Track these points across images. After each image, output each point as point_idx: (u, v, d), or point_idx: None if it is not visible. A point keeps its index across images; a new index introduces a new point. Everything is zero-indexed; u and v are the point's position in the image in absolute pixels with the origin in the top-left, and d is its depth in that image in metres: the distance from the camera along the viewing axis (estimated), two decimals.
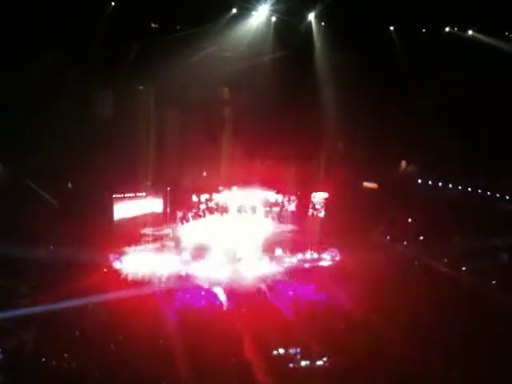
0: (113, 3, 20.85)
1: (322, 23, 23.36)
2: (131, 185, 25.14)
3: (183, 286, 21.52)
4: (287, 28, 23.03)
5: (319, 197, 27.44)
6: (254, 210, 27.25)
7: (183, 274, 22.83)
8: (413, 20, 22.41)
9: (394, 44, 23.53)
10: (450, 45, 22.78)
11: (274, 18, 22.73)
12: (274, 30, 22.95)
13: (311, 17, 23.12)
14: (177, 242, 24.97)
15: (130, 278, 21.82)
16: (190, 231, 25.70)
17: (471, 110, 23.19)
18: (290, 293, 21.39)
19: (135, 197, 25.27)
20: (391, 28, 23.40)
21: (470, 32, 23.02)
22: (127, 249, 23.88)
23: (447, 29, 23.35)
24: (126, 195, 25.05)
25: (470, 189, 26.17)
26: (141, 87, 25.12)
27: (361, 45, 22.65)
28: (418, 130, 25.50)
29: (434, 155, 25.34)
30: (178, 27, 22.01)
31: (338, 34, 22.79)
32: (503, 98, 22.35)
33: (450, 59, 22.91)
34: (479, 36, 22.85)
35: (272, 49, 23.66)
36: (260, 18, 22.38)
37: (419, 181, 27.62)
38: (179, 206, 26.42)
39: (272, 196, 27.71)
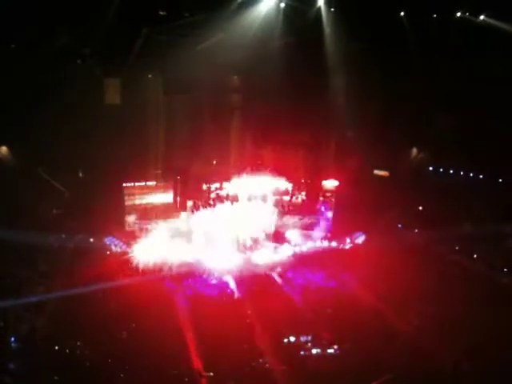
0: None
1: (332, 8, 23.13)
2: (141, 173, 25.21)
3: (194, 274, 21.59)
4: (296, 14, 22.83)
5: (329, 185, 27.35)
6: (264, 198, 27.19)
7: (194, 262, 22.93)
8: (423, 3, 22.14)
9: (404, 28, 23.25)
10: (461, 29, 22.48)
11: (282, 4, 22.54)
12: (283, 16, 22.77)
13: (320, 2, 22.90)
14: (187, 230, 25.03)
15: (141, 265, 21.95)
16: (201, 220, 25.72)
17: (484, 96, 22.88)
18: (300, 280, 21.40)
19: (145, 185, 25.34)
20: (401, 12, 23.10)
21: (482, 17, 22.69)
22: (138, 236, 24.04)
23: (459, 13, 23.00)
24: (136, 184, 25.13)
25: (481, 176, 25.95)
26: (150, 75, 25.05)
27: (370, 30, 22.43)
28: (430, 116, 25.31)
29: (446, 142, 25.12)
30: (187, 14, 21.87)
31: (347, 19, 22.57)
32: None
33: (462, 43, 22.63)
34: (492, 21, 22.50)
35: (281, 35, 23.48)
36: (269, 3, 22.20)
37: (430, 168, 27.40)
38: (189, 194, 26.42)
39: (282, 184, 27.63)
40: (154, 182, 25.70)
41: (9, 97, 20.39)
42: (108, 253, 22.43)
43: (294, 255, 24.01)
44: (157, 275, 21.09)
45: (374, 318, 17.97)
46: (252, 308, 18.58)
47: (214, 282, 21.06)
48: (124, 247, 23.08)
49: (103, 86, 23.79)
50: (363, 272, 21.47)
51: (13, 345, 15.85)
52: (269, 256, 23.77)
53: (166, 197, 26.00)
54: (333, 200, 26.80)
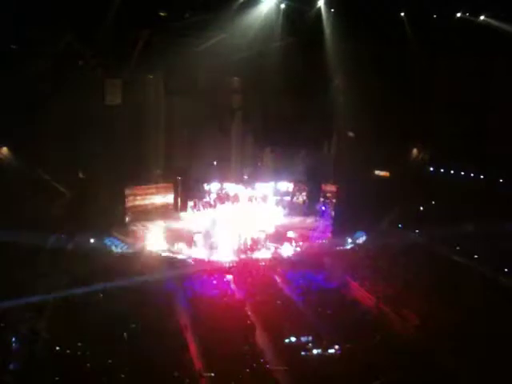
0: None
1: (332, 9, 23.16)
2: (142, 174, 25.24)
3: (195, 274, 21.58)
4: (296, 15, 22.87)
5: (330, 185, 27.37)
6: (264, 198, 27.21)
7: (195, 262, 22.91)
8: (422, 4, 22.18)
9: (404, 29, 23.27)
10: (460, 30, 22.50)
11: (282, 5, 22.58)
12: (283, 16, 22.81)
13: (320, 3, 22.94)
14: (188, 230, 25.04)
15: (141, 266, 21.93)
16: (201, 219, 25.74)
17: (484, 96, 22.91)
18: (301, 280, 21.36)
19: (146, 186, 25.39)
20: (400, 13, 23.14)
21: (482, 17, 22.70)
22: (139, 237, 24.03)
23: (458, 14, 23.02)
24: (136, 184, 25.17)
25: (482, 176, 25.93)
26: (151, 76, 25.10)
27: (370, 31, 22.48)
28: (430, 117, 25.33)
29: (446, 142, 25.14)
30: (187, 15, 21.92)
31: (346, 20, 22.61)
32: None
33: (461, 44, 22.66)
34: (491, 21, 22.52)
35: (281, 36, 23.53)
36: (269, 4, 22.23)
37: (431, 168, 27.41)
38: (190, 195, 26.46)
39: (283, 185, 27.66)
40: (155, 183, 25.75)
41: (10, 97, 20.42)
42: (108, 253, 22.45)
43: (295, 255, 24.00)
44: (157, 275, 21.06)
45: (374, 318, 17.96)
46: (252, 309, 18.56)
47: (214, 282, 21.03)
48: (124, 247, 23.10)
49: (104, 87, 23.85)
50: (364, 272, 21.46)
51: (13, 345, 15.82)
52: (269, 256, 23.76)
53: (166, 197, 26.05)
54: (333, 200, 26.85)
